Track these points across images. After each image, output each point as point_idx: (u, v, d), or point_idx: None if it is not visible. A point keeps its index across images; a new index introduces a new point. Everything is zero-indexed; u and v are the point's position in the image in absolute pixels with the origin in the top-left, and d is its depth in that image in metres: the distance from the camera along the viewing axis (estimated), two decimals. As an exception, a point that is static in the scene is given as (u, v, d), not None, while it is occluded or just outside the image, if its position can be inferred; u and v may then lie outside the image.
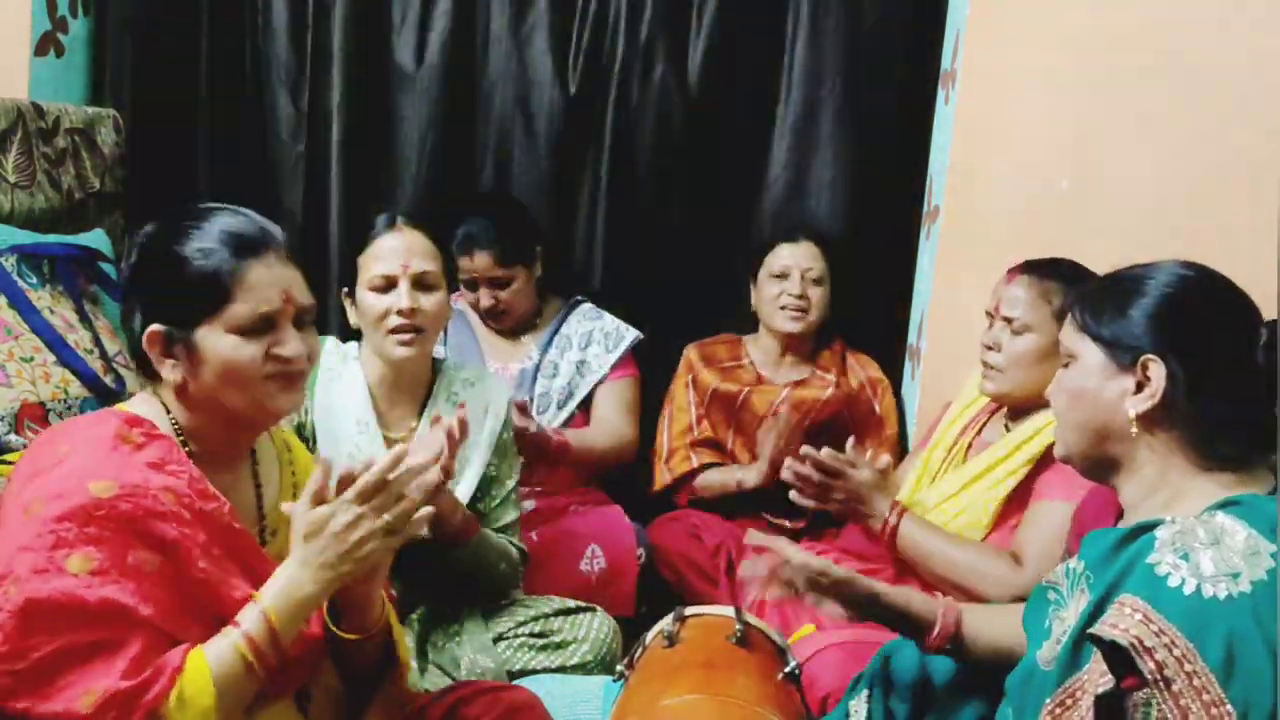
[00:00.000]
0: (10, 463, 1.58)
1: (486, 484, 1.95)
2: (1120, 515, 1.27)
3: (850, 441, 1.92)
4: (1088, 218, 1.97)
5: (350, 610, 1.33)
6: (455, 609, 1.93)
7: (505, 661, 1.90)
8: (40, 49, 2.49)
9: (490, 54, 2.73)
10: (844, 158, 2.68)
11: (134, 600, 1.12)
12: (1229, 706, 0.97)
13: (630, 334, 2.58)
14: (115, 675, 1.10)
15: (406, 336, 1.85)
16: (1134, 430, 1.16)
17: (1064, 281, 1.80)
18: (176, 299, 1.25)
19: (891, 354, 2.68)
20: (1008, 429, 1.91)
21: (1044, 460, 1.79)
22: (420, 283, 1.86)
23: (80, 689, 1.08)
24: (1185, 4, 1.76)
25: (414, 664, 1.83)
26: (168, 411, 1.29)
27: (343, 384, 1.91)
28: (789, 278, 2.51)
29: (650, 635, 1.65)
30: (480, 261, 2.44)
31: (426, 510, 1.29)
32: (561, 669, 1.92)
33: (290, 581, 1.21)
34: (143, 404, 1.31)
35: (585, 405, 2.55)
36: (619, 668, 1.63)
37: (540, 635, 1.94)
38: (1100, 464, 1.23)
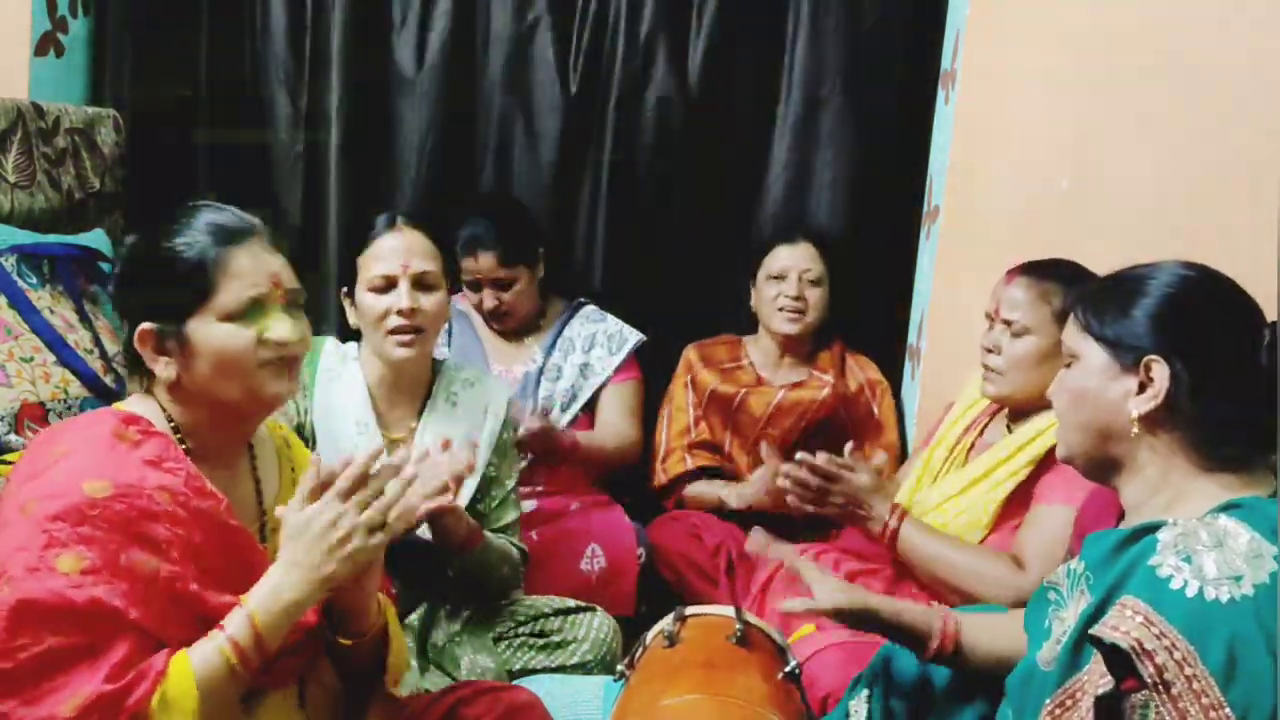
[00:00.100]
0: (10, 463, 1.59)
1: (486, 484, 1.95)
2: (1121, 517, 1.27)
3: (849, 446, 1.92)
4: (1088, 218, 1.97)
5: (345, 616, 1.33)
6: (455, 609, 1.93)
7: (505, 661, 1.90)
8: (40, 49, 2.49)
9: (490, 54, 2.73)
10: (844, 158, 2.68)
11: (124, 602, 1.12)
12: (1228, 710, 0.97)
13: (634, 336, 2.58)
14: (99, 679, 1.09)
15: (406, 337, 1.85)
16: (1136, 431, 1.16)
17: (1063, 283, 1.80)
18: (165, 294, 1.26)
19: (891, 354, 2.68)
20: (1009, 430, 1.91)
21: (1045, 462, 1.79)
22: (420, 283, 1.86)
23: (66, 693, 1.08)
24: (1185, 4, 1.75)
25: (414, 664, 1.83)
26: (163, 410, 1.29)
27: (342, 384, 1.91)
28: (786, 279, 2.51)
29: (651, 635, 1.65)
30: (484, 262, 2.44)
31: (408, 505, 1.29)
32: (561, 669, 1.92)
33: (277, 584, 1.21)
34: (138, 403, 1.31)
35: (588, 407, 2.55)
36: (619, 667, 1.63)
37: (540, 635, 1.94)
38: (1102, 465, 1.23)
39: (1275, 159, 1.51)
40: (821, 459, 1.84)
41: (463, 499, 1.88)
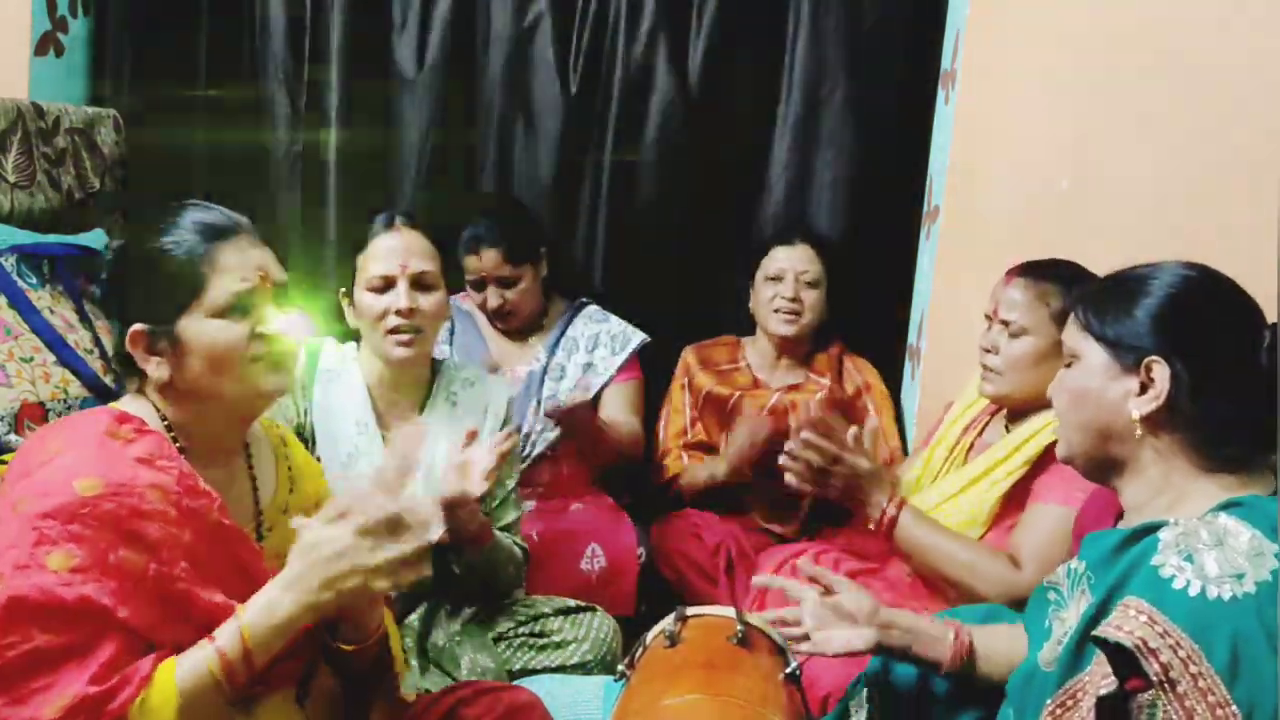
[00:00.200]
0: (8, 463, 1.59)
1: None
2: (1119, 518, 1.27)
3: (852, 430, 1.90)
4: (1088, 218, 1.97)
5: (345, 622, 1.32)
6: (455, 609, 1.93)
7: (505, 661, 1.90)
8: (40, 49, 2.49)
9: (490, 55, 2.73)
10: (844, 158, 2.68)
11: (113, 600, 1.12)
12: (1234, 708, 0.97)
13: (637, 337, 2.58)
14: (84, 680, 1.09)
15: (405, 337, 1.85)
16: (1138, 432, 1.16)
17: (1062, 283, 1.80)
18: (155, 293, 1.26)
19: (891, 354, 2.68)
20: (1007, 430, 1.91)
21: (1042, 462, 1.79)
22: (418, 283, 1.86)
23: (51, 693, 1.08)
24: (1185, 4, 1.75)
25: (414, 664, 1.83)
26: (157, 410, 1.29)
27: (341, 385, 1.91)
28: (783, 280, 2.51)
29: (651, 635, 1.65)
30: (487, 260, 2.44)
31: (422, 564, 1.22)
32: (561, 669, 1.92)
33: (272, 601, 1.18)
34: (132, 403, 1.31)
35: (590, 407, 2.55)
36: (620, 667, 1.63)
37: (540, 635, 1.94)
38: (1102, 465, 1.23)
39: (1275, 159, 1.51)
40: (824, 440, 1.82)
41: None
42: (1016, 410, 1.89)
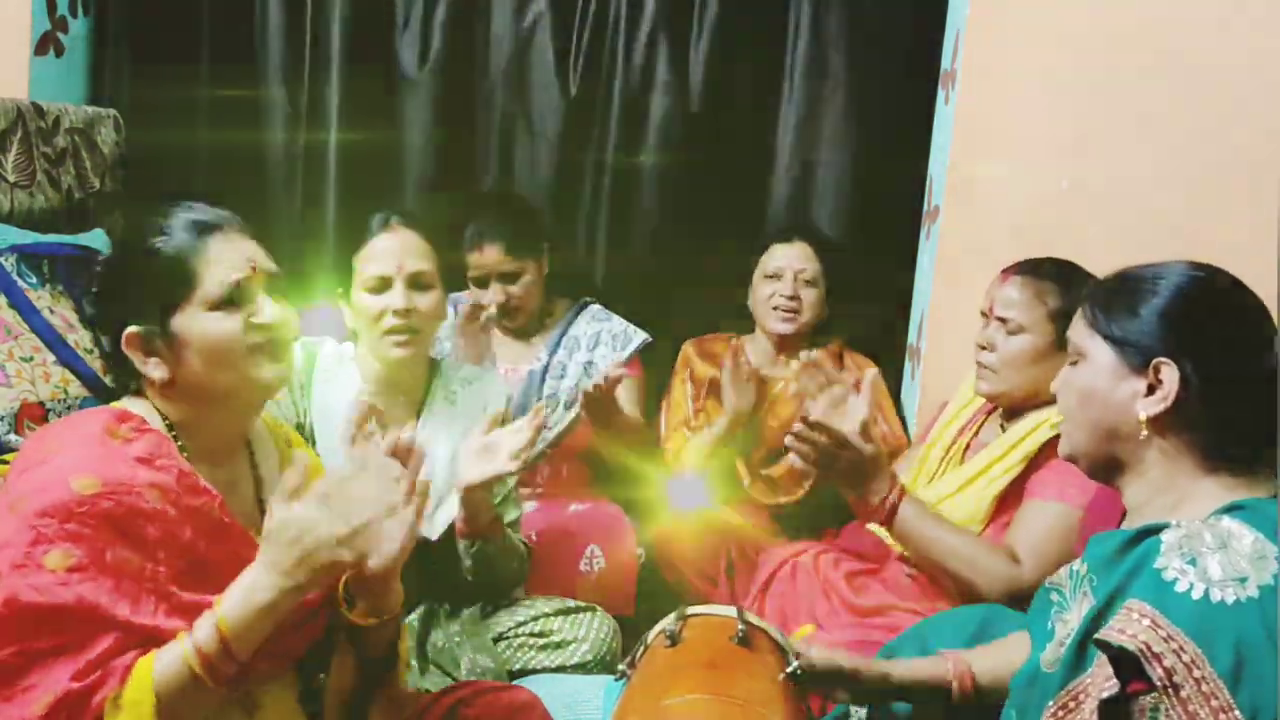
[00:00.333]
0: (8, 462, 1.59)
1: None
2: (1123, 518, 1.27)
3: (860, 415, 1.89)
4: (1088, 218, 1.98)
5: (362, 593, 1.31)
6: (455, 609, 1.93)
7: (505, 661, 1.90)
8: (40, 49, 2.49)
9: (491, 56, 2.73)
10: (844, 158, 2.68)
11: (110, 599, 1.12)
12: (1237, 712, 0.97)
13: (639, 337, 2.58)
14: (68, 676, 1.09)
15: (402, 338, 1.84)
16: (1144, 433, 1.16)
17: (1059, 282, 1.80)
18: (148, 292, 1.26)
19: (891, 354, 2.68)
20: (1003, 429, 1.91)
21: (1038, 459, 1.79)
22: (415, 283, 1.85)
23: (40, 690, 1.08)
24: (1185, 4, 1.76)
25: (414, 664, 1.83)
26: (156, 410, 1.29)
27: (340, 385, 1.91)
28: (782, 278, 2.51)
29: (652, 635, 1.65)
30: (490, 255, 2.44)
31: (384, 530, 1.21)
32: (561, 669, 1.92)
33: (249, 585, 1.16)
34: (131, 403, 1.31)
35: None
36: (621, 667, 1.63)
37: (540, 635, 1.94)
38: (1106, 464, 1.22)
39: (1275, 159, 1.51)
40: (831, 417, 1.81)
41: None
42: (1012, 409, 1.89)
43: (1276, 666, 0.97)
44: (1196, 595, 1.01)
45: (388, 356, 1.86)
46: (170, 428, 1.28)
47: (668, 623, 1.63)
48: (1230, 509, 1.09)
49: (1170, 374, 1.14)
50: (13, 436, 1.83)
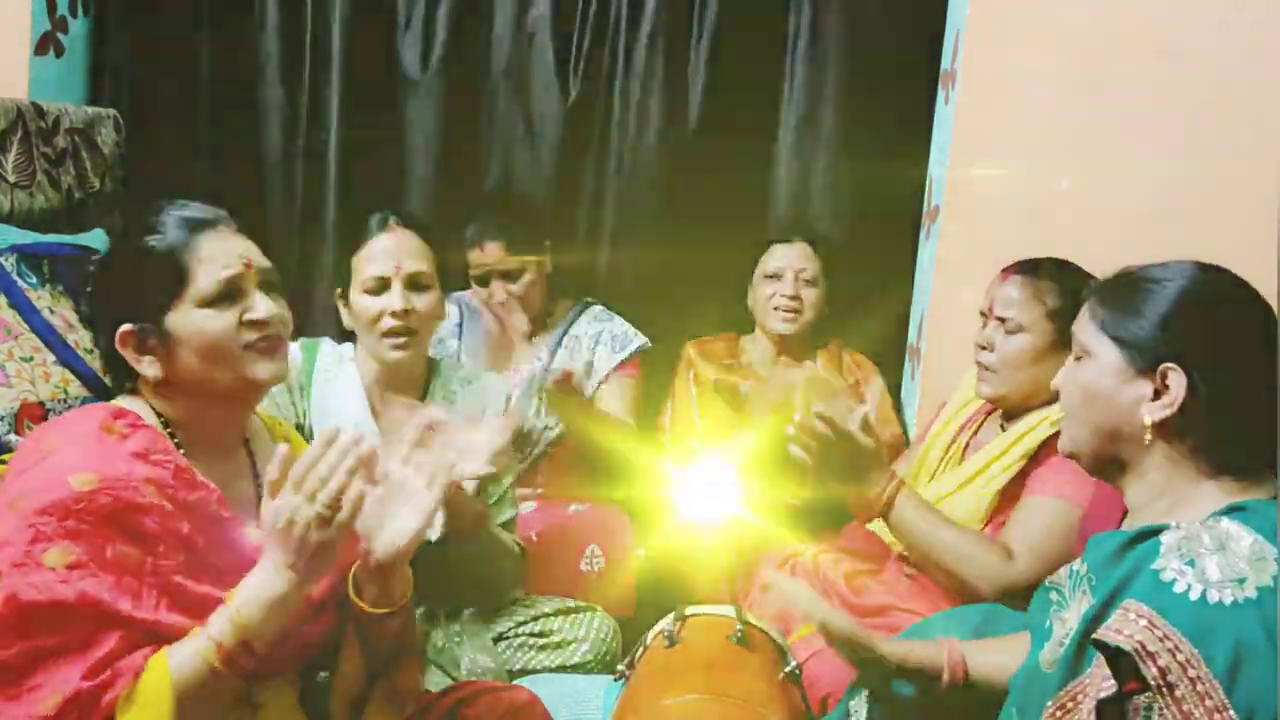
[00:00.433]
0: (7, 462, 1.59)
1: (484, 482, 1.95)
2: (1123, 518, 1.27)
3: (861, 409, 1.89)
4: (1088, 218, 1.97)
5: (370, 581, 1.31)
6: (455, 609, 1.93)
7: (505, 661, 1.90)
8: (40, 49, 2.49)
9: (493, 57, 2.73)
10: (845, 158, 2.68)
11: (111, 595, 1.12)
12: (1232, 713, 0.97)
13: (638, 339, 2.58)
14: (79, 675, 1.09)
15: (400, 339, 1.84)
16: (1148, 438, 1.15)
17: (1058, 282, 1.80)
18: (141, 290, 1.26)
19: (891, 354, 2.68)
20: (1003, 429, 1.91)
21: (1037, 456, 1.79)
22: (413, 283, 1.85)
23: (47, 690, 1.08)
24: (1185, 4, 1.75)
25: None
26: (152, 408, 1.29)
27: (339, 385, 1.91)
28: (782, 278, 2.51)
29: (651, 635, 1.65)
30: (491, 253, 2.44)
31: (355, 491, 1.20)
32: (561, 669, 1.92)
33: (259, 581, 1.18)
34: (127, 401, 1.31)
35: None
36: (620, 667, 1.63)
37: (540, 635, 1.94)
38: (1107, 464, 1.22)
39: (1275, 159, 1.51)
40: (834, 413, 1.81)
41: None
42: (1012, 409, 1.89)
43: (1274, 667, 0.97)
44: (1194, 596, 1.01)
45: (386, 358, 1.86)
46: (166, 424, 1.29)
47: (667, 623, 1.63)
48: (1230, 511, 1.09)
49: (1177, 380, 1.13)
50: (13, 436, 1.83)
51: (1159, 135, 1.80)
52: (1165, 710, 0.99)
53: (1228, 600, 1.00)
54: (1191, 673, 0.98)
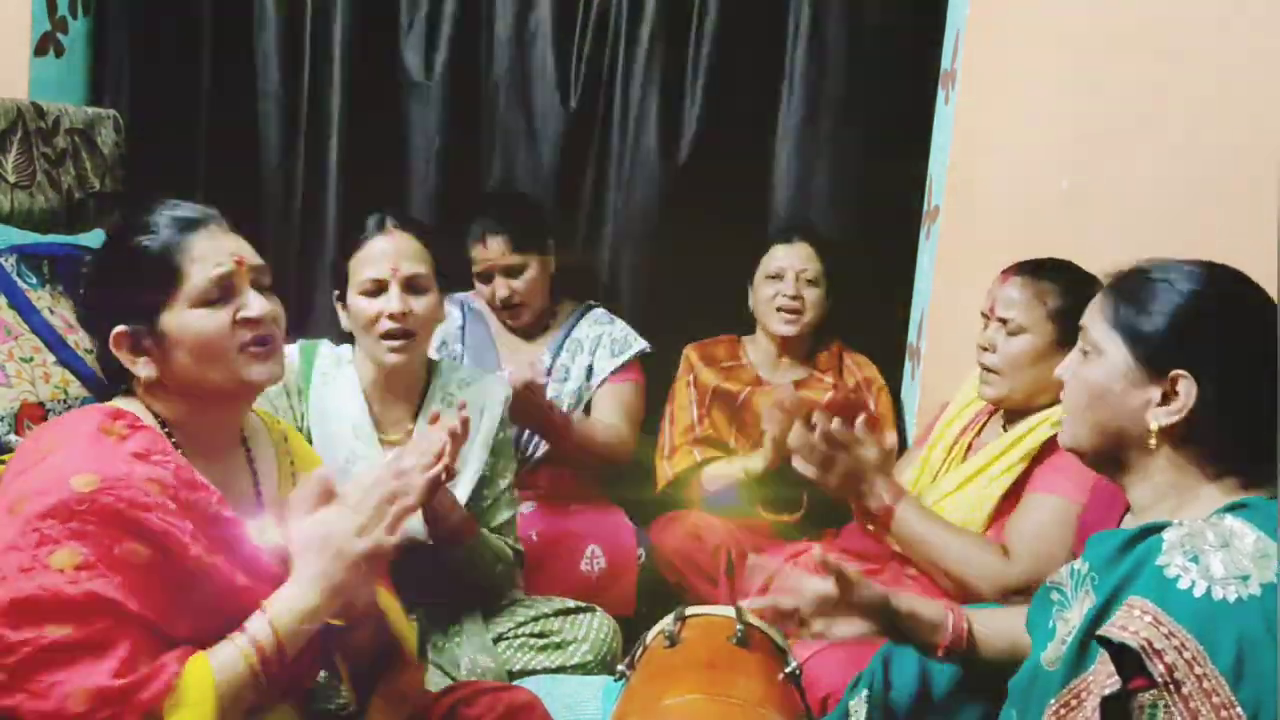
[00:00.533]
0: (5, 462, 1.59)
1: (481, 483, 1.95)
2: (1123, 518, 1.27)
3: (861, 419, 1.90)
4: (1088, 218, 1.97)
5: None
6: (455, 609, 1.93)
7: (505, 661, 1.90)
8: (40, 49, 2.49)
9: (495, 60, 2.73)
10: (845, 158, 2.68)
11: (121, 594, 1.12)
12: (1239, 709, 0.97)
13: (638, 343, 2.58)
14: (106, 674, 1.09)
15: (398, 342, 1.84)
16: (1153, 442, 1.15)
17: (1059, 282, 1.81)
18: (134, 291, 1.26)
19: (891, 354, 2.68)
20: (1005, 429, 1.91)
21: (1039, 456, 1.79)
22: (411, 286, 1.85)
23: (71, 686, 1.08)
24: (1185, 4, 1.75)
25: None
26: (148, 409, 1.29)
27: (337, 388, 1.91)
28: (784, 279, 2.51)
29: (651, 635, 1.65)
30: (494, 248, 2.44)
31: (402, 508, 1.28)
32: (561, 669, 1.92)
33: (293, 596, 1.22)
34: (124, 402, 1.31)
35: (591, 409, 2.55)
36: (620, 667, 1.63)
37: (540, 635, 1.94)
38: (1110, 462, 1.21)
39: (1275, 159, 1.51)
40: (835, 425, 1.82)
41: (460, 498, 1.87)
42: (1014, 410, 1.89)
43: (1278, 663, 0.97)
44: (1198, 593, 1.01)
45: (383, 360, 1.86)
46: (163, 425, 1.29)
47: (667, 623, 1.63)
48: (1233, 508, 1.09)
49: (1188, 388, 1.12)
50: (13, 437, 1.83)
51: (1159, 135, 1.80)
52: (1171, 707, 0.99)
53: (1232, 597, 1.00)
54: (1198, 670, 0.98)
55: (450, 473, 1.67)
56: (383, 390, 1.92)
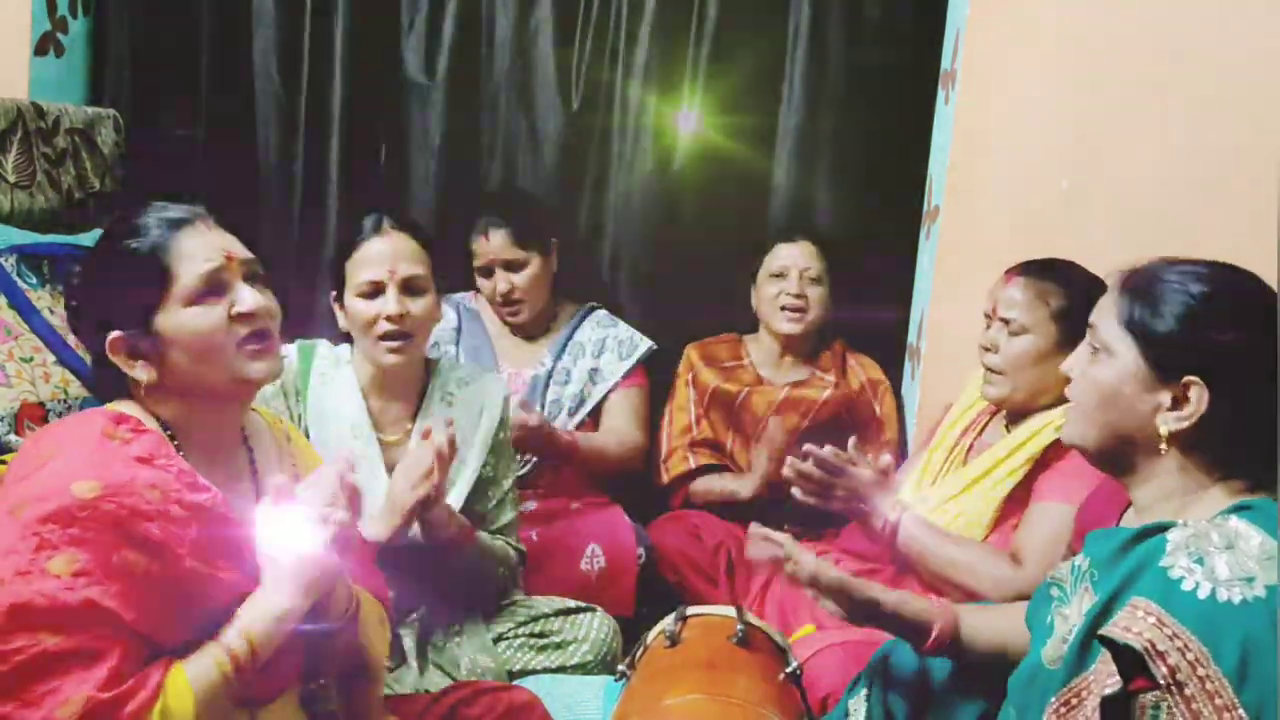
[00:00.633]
0: (7, 463, 1.59)
1: (483, 484, 1.95)
2: (1121, 514, 1.26)
3: (852, 440, 1.92)
4: (1088, 218, 1.97)
5: None
6: (455, 609, 1.93)
7: (505, 661, 1.90)
8: (40, 49, 2.49)
9: (495, 60, 2.73)
10: (845, 158, 2.68)
11: (117, 603, 1.12)
12: (1241, 711, 0.97)
13: (644, 344, 2.58)
14: (94, 685, 1.09)
15: (396, 343, 1.83)
16: (1163, 447, 1.14)
17: (1061, 283, 1.81)
18: (127, 294, 1.26)
19: (891, 354, 2.68)
20: (1008, 430, 1.91)
21: (1043, 460, 1.79)
22: (408, 287, 1.84)
23: (61, 696, 1.08)
24: (1185, 4, 1.75)
25: (413, 664, 1.83)
26: (149, 412, 1.29)
27: (336, 387, 1.90)
28: (787, 277, 2.51)
29: (652, 635, 1.65)
30: (495, 240, 2.45)
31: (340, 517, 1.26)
32: (561, 669, 1.92)
33: (264, 601, 1.22)
34: (125, 406, 1.30)
35: (595, 413, 2.55)
36: (620, 667, 1.63)
37: (540, 635, 1.94)
38: (1115, 461, 1.21)
39: (1275, 159, 1.51)
40: (827, 453, 1.84)
41: (459, 499, 1.88)
42: (1017, 411, 1.89)
43: (1283, 666, 0.98)
44: (1203, 594, 1.00)
45: (381, 362, 1.86)
46: (165, 428, 1.28)
47: (667, 623, 1.63)
48: (1237, 509, 1.09)
49: (1199, 394, 1.11)
50: (13, 437, 1.83)
51: (1159, 135, 1.80)
52: (1174, 709, 0.99)
53: (1236, 599, 1.00)
54: (1201, 671, 0.98)
55: (440, 491, 1.69)
56: (381, 390, 1.91)
